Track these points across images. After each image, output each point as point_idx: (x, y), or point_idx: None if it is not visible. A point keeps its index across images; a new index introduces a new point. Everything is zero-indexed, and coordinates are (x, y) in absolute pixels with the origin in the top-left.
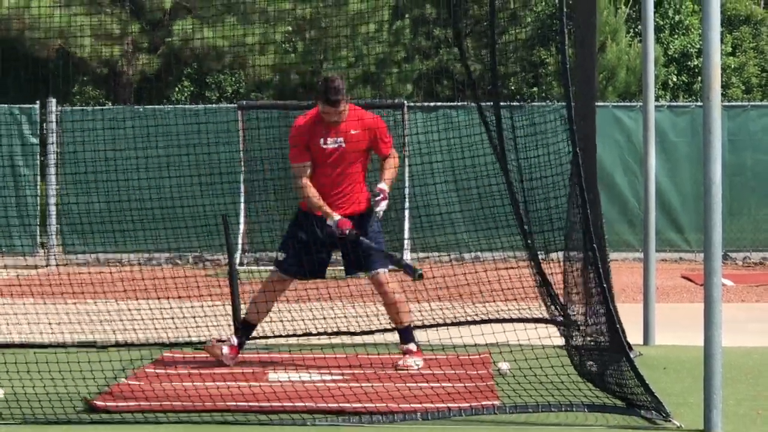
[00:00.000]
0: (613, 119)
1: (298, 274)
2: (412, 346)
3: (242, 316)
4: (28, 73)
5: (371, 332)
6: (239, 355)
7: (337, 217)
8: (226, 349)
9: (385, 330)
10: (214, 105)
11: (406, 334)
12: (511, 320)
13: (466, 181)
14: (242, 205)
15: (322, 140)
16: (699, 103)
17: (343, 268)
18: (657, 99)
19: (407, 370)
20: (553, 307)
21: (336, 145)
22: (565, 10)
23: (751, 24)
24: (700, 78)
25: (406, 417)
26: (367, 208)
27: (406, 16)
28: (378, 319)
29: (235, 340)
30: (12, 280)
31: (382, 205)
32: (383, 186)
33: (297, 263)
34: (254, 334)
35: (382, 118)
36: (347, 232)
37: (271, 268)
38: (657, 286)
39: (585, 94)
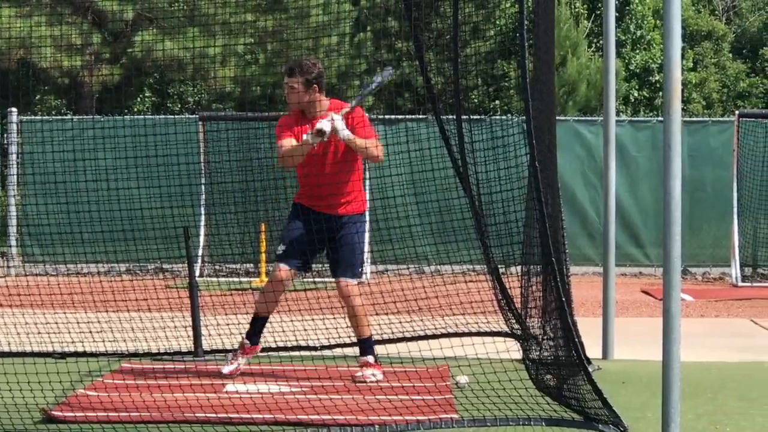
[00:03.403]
0: (573, 133)
1: (299, 266)
2: (370, 359)
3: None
4: None
5: (330, 347)
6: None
7: (316, 128)
8: (240, 361)
9: (344, 345)
10: (175, 116)
11: (366, 347)
12: (470, 334)
13: (426, 194)
14: (202, 217)
15: (305, 136)
16: (660, 118)
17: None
18: (618, 113)
19: (365, 381)
20: (512, 321)
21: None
22: (525, 23)
23: (713, 39)
24: (661, 93)
25: (363, 430)
26: (355, 215)
27: (368, 28)
28: (337, 332)
29: (247, 341)
30: None
31: (325, 123)
32: (338, 116)
33: (296, 254)
34: (212, 347)
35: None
36: (327, 120)
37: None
38: (616, 301)
39: (545, 108)
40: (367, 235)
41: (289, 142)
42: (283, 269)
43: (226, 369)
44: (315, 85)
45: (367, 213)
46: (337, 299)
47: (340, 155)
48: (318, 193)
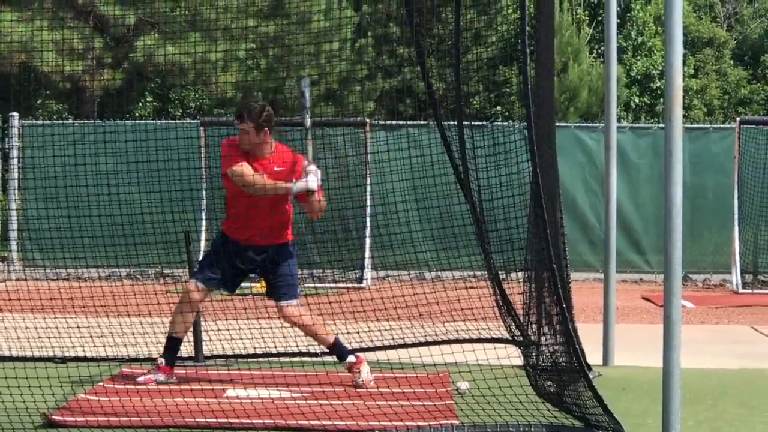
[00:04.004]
0: (574, 140)
1: (210, 283)
2: (352, 359)
3: (168, 333)
4: None
5: (331, 353)
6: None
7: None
8: (154, 374)
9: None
10: (176, 120)
11: (339, 352)
12: (471, 341)
13: (427, 200)
14: (203, 222)
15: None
16: (661, 125)
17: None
18: (619, 120)
19: (363, 383)
20: (512, 327)
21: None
22: (527, 30)
23: (714, 46)
24: (662, 99)
25: None
26: (287, 243)
27: (369, 34)
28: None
29: (162, 361)
30: None
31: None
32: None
33: (211, 274)
34: (212, 352)
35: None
36: (315, 178)
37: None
38: (617, 307)
39: (545, 114)
40: (367, 240)
41: (250, 172)
42: (193, 286)
43: (141, 378)
44: (266, 128)
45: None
46: (337, 305)
47: (277, 198)
48: (257, 224)
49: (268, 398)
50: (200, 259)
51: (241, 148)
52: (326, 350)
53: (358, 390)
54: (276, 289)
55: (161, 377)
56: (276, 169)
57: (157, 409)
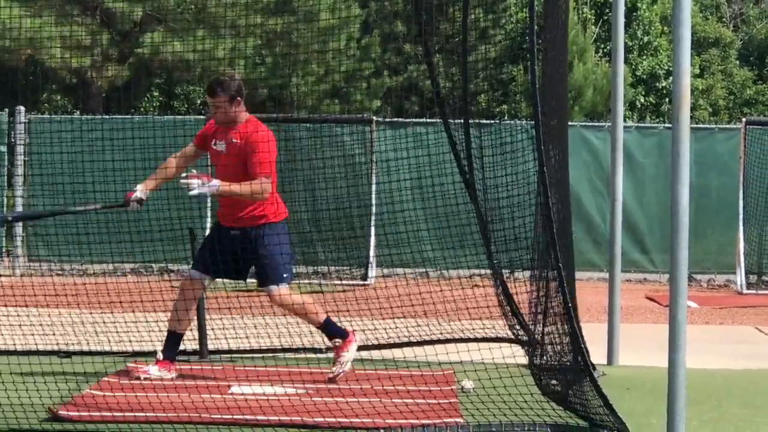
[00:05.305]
0: (580, 139)
1: (206, 272)
2: (338, 341)
3: (168, 328)
4: None
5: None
6: (179, 367)
7: (136, 193)
8: (153, 369)
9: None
10: (182, 116)
11: (329, 330)
12: (476, 340)
13: (432, 198)
14: (209, 218)
15: (214, 141)
16: (666, 125)
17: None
18: (625, 119)
19: (344, 357)
20: (517, 326)
21: (219, 149)
22: (535, 28)
23: (720, 46)
24: (668, 99)
25: None
26: (264, 225)
27: (376, 31)
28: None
29: (161, 356)
30: None
31: (195, 188)
32: (215, 182)
33: (204, 262)
34: (217, 348)
35: (270, 137)
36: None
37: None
38: (621, 307)
39: (555, 113)
40: (372, 238)
41: (189, 150)
42: (186, 278)
43: (139, 371)
44: (238, 98)
45: (282, 223)
46: (342, 302)
47: (236, 176)
48: (224, 208)
49: (273, 395)
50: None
51: (216, 123)
52: (328, 345)
53: (363, 388)
54: (259, 276)
55: (156, 371)
56: (233, 140)
57: (162, 405)
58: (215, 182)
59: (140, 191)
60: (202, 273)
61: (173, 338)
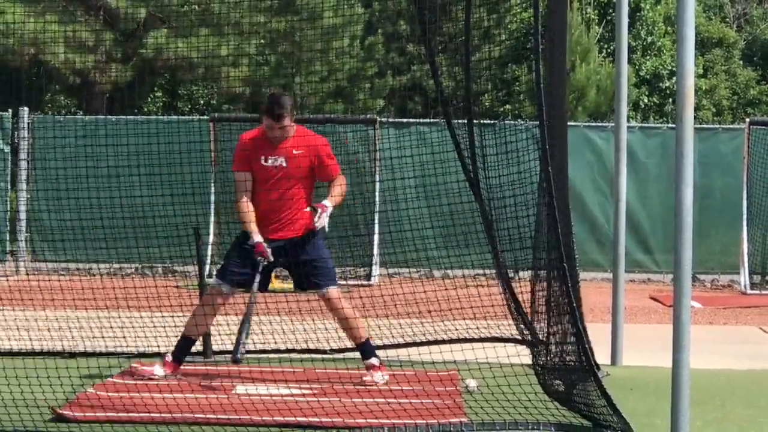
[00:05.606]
0: (584, 139)
1: (235, 284)
2: (374, 361)
3: (184, 332)
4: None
5: (341, 350)
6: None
7: (256, 239)
8: (159, 369)
9: (354, 348)
10: (186, 117)
11: (367, 350)
12: (480, 340)
13: (436, 198)
14: (212, 218)
15: (263, 158)
16: (670, 125)
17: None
18: (628, 120)
19: (374, 385)
20: (521, 326)
21: (277, 164)
22: (540, 28)
23: (723, 47)
24: (671, 99)
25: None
26: (309, 232)
27: (379, 31)
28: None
29: (170, 357)
30: None
31: (323, 220)
32: (326, 202)
33: (233, 275)
34: (221, 348)
35: (329, 141)
36: (258, 258)
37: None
38: (625, 307)
39: (556, 113)
40: (376, 237)
41: (248, 179)
42: (215, 290)
43: (146, 369)
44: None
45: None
46: (346, 302)
47: (293, 189)
48: (267, 222)
49: (277, 395)
50: (224, 259)
51: (274, 141)
52: (350, 346)
53: (367, 387)
54: (312, 278)
55: (161, 371)
56: (294, 152)
57: (165, 405)
58: (326, 203)
59: (262, 239)
60: (233, 288)
61: (185, 342)
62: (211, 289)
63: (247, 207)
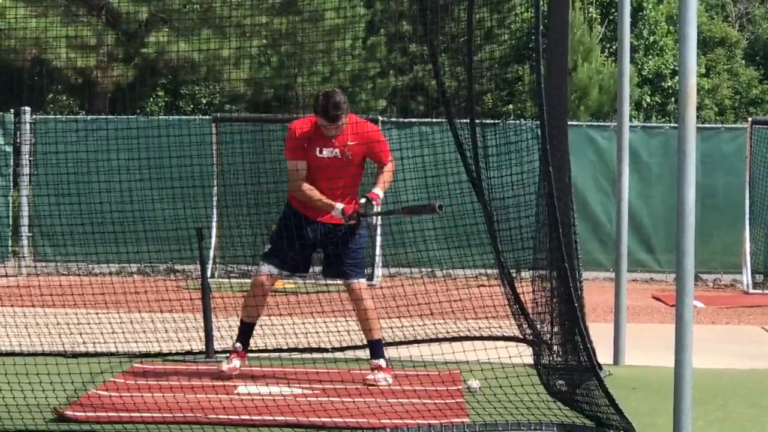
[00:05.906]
0: (586, 138)
1: (281, 267)
2: (381, 362)
3: (241, 318)
4: (1, 82)
5: (342, 349)
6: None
7: (340, 206)
8: (235, 363)
9: (357, 347)
10: (188, 117)
11: (376, 350)
12: (482, 338)
13: (438, 198)
14: (214, 218)
15: (318, 149)
16: (672, 124)
17: (321, 276)
18: (630, 119)
19: (376, 385)
20: (524, 326)
21: (332, 156)
22: (540, 28)
23: (726, 46)
24: (673, 99)
25: None
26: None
27: (382, 31)
28: (349, 335)
29: (239, 345)
30: None
31: (376, 210)
32: (377, 191)
33: (281, 257)
34: (224, 348)
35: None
36: (354, 214)
37: (253, 267)
38: (627, 306)
39: (558, 112)
40: (378, 238)
41: (303, 167)
42: (263, 273)
43: (224, 366)
44: None
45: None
46: (348, 302)
47: (345, 178)
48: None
49: (280, 395)
50: (269, 241)
51: (330, 137)
52: (352, 344)
53: (369, 388)
54: (343, 266)
55: (238, 363)
56: (349, 143)
57: (168, 405)
58: (377, 192)
59: (347, 207)
60: (278, 268)
61: (246, 327)
62: (257, 278)
63: (309, 187)
